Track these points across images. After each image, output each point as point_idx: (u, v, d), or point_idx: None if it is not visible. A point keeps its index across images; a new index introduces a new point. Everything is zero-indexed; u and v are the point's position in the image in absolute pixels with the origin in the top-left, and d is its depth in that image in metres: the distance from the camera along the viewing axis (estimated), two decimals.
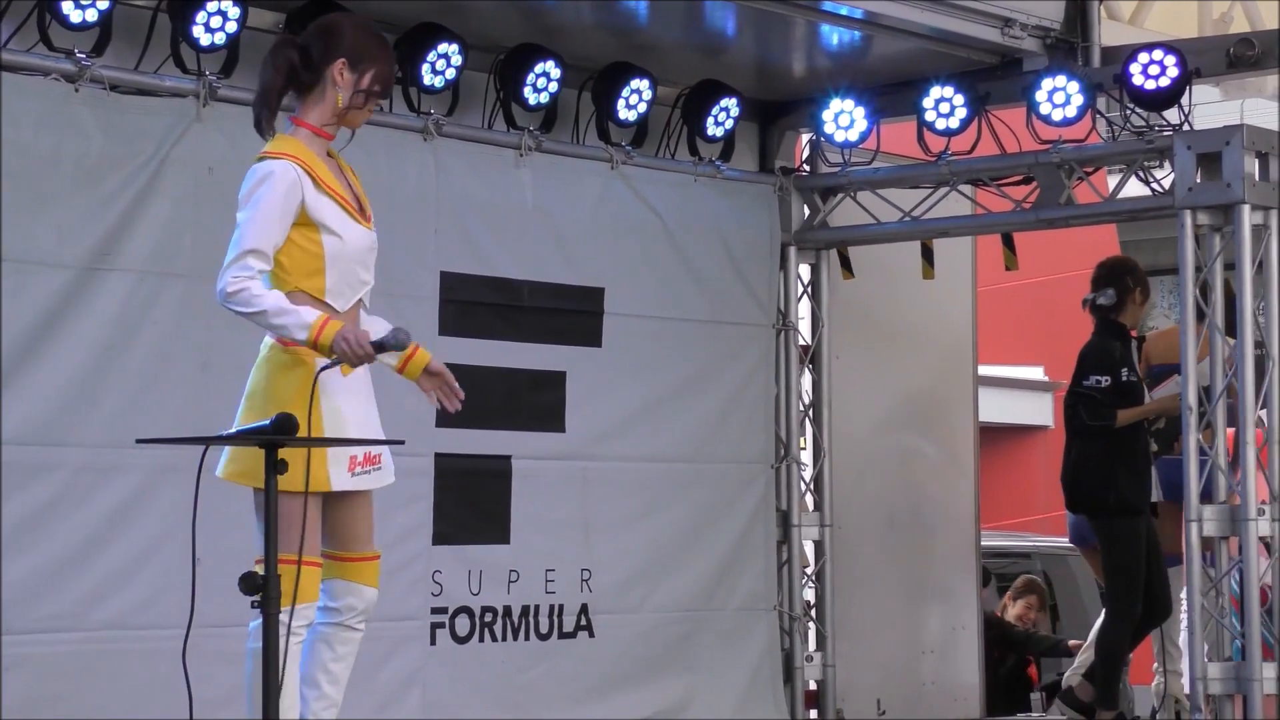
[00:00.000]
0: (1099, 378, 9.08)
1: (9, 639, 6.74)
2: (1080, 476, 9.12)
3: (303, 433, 5.33)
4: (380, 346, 5.44)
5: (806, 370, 9.67)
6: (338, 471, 5.54)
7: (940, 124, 9.10)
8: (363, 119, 5.64)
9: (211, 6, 7.24)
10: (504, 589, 8.15)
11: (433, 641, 8.02)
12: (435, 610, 8.05)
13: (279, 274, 5.53)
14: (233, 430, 5.55)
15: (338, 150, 5.69)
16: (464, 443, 8.00)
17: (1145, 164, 8.91)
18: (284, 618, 5.29)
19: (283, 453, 5.37)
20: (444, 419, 8.05)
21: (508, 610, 8.06)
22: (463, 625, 8.16)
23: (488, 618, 8.19)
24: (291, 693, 5.45)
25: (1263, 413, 8.45)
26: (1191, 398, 8.45)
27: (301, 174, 5.45)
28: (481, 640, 8.16)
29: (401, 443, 7.19)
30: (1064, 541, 15.85)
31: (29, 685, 6.79)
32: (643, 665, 8.67)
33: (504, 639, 7.82)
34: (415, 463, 7.95)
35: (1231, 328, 8.44)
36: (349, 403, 5.55)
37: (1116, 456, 8.98)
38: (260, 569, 5.37)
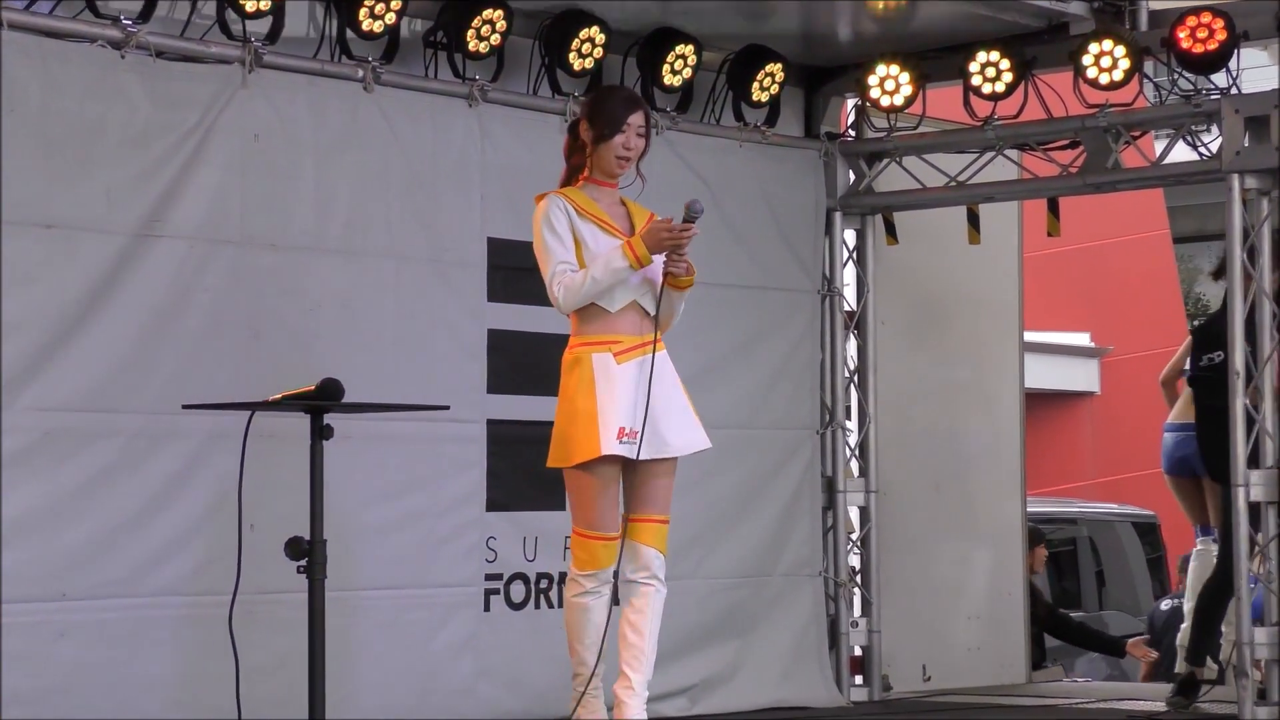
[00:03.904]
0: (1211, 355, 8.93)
1: (64, 605, 6.79)
2: None
3: (577, 414, 6.38)
4: (688, 219, 6.49)
5: (852, 336, 9.66)
6: (608, 438, 6.41)
7: (986, 88, 9.06)
8: (621, 163, 6.63)
9: None
10: (559, 555, 8.16)
11: (487, 608, 8.04)
12: (490, 577, 8.06)
13: None
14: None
15: (630, 180, 6.75)
16: (516, 409, 8.02)
17: (1193, 128, 8.87)
18: (587, 582, 6.54)
19: (572, 431, 6.44)
20: (495, 385, 8.11)
21: (564, 577, 8.09)
22: (518, 592, 8.19)
23: (543, 584, 8.21)
24: (591, 644, 6.56)
25: None
26: (1238, 363, 8.42)
27: (564, 203, 6.56)
28: (538, 607, 8.18)
29: (446, 408, 7.27)
30: (1111, 507, 15.90)
31: (84, 650, 6.83)
32: (696, 631, 8.68)
33: (560, 605, 7.83)
34: (467, 429, 7.98)
35: None
36: (613, 392, 6.44)
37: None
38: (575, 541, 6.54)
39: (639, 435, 6.45)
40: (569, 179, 6.72)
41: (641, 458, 6.49)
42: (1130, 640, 11.93)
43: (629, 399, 6.46)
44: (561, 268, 6.49)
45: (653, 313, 6.60)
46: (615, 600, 6.66)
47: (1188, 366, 9.73)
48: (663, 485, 6.58)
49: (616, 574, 6.58)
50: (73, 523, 6.83)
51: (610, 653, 6.63)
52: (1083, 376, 20.75)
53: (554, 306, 6.57)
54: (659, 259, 6.55)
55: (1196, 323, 9.22)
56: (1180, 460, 10.00)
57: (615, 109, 6.63)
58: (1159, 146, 9.19)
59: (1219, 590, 8.68)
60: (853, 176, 9.66)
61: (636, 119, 6.64)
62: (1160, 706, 8.91)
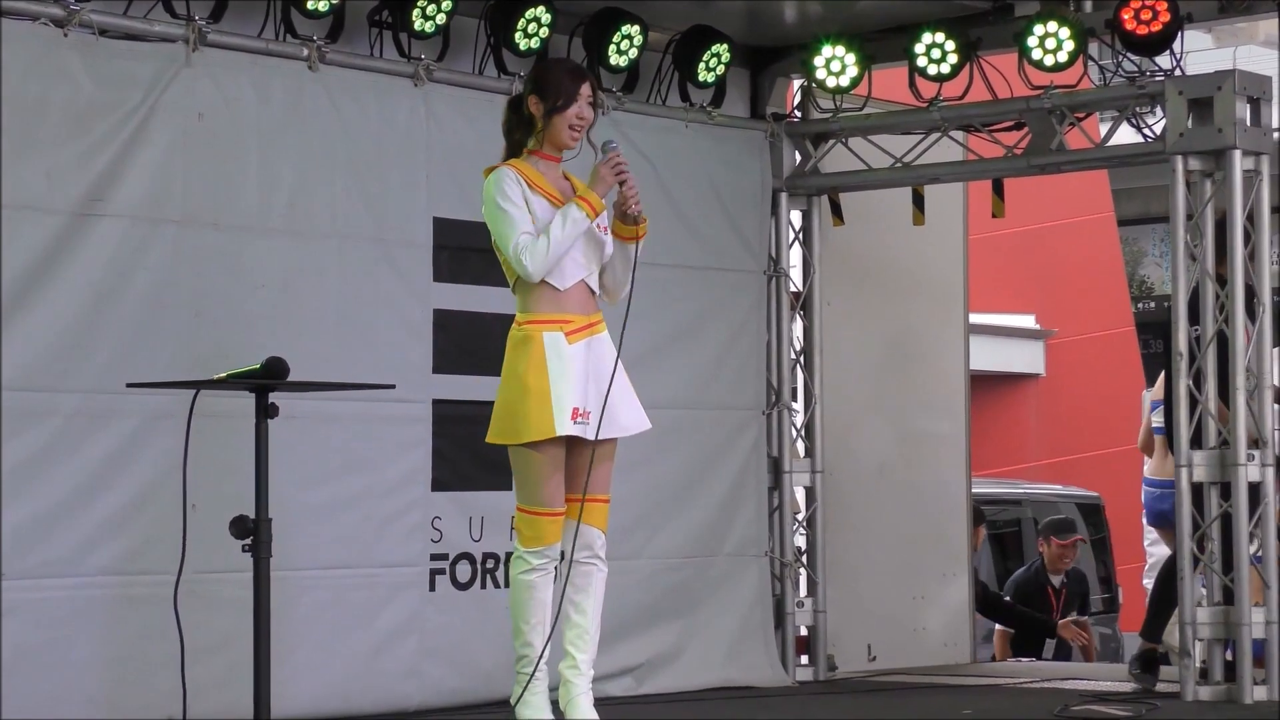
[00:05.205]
0: None
1: (5, 585, 6.74)
2: None
3: (529, 392, 6.36)
4: (605, 151, 6.56)
5: (798, 317, 9.67)
6: (562, 419, 6.39)
7: (932, 70, 9.08)
8: (571, 136, 6.58)
9: None
10: (505, 535, 8.15)
11: (432, 588, 8.04)
12: (435, 557, 8.06)
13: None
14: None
15: (575, 153, 6.69)
16: (462, 389, 8.00)
17: (1137, 110, 8.89)
18: (534, 559, 6.51)
19: (523, 409, 6.40)
20: (441, 365, 8.10)
21: (510, 557, 8.09)
22: (464, 572, 8.18)
23: (489, 564, 8.20)
24: (537, 624, 6.54)
25: None
26: (1182, 344, 8.46)
27: (516, 175, 6.51)
28: (484, 587, 8.17)
29: (391, 386, 7.26)
30: (1056, 489, 15.97)
31: (23, 631, 6.80)
32: (641, 612, 8.70)
33: (506, 585, 7.83)
34: (412, 409, 7.97)
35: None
36: (566, 372, 6.42)
37: None
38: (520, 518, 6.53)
39: (591, 415, 6.46)
40: (511, 155, 6.67)
41: (593, 437, 6.49)
42: (1061, 621, 12.02)
43: (581, 379, 6.46)
44: (525, 238, 6.43)
45: (598, 291, 6.60)
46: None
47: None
48: (606, 465, 6.60)
49: (562, 553, 6.59)
50: (12, 502, 6.79)
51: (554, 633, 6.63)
52: (1028, 358, 20.84)
53: (522, 274, 6.45)
54: (606, 225, 6.59)
55: None
56: (1160, 514, 10.11)
57: (565, 81, 6.59)
58: (1103, 128, 9.22)
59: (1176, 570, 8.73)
60: (798, 157, 9.66)
61: (586, 89, 6.62)
62: (1106, 686, 8.96)
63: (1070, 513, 15.02)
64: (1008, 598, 12.47)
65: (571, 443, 6.50)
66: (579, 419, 6.44)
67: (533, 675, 6.52)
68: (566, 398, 6.42)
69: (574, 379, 6.45)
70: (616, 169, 6.50)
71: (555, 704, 6.65)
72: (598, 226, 6.59)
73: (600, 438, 6.50)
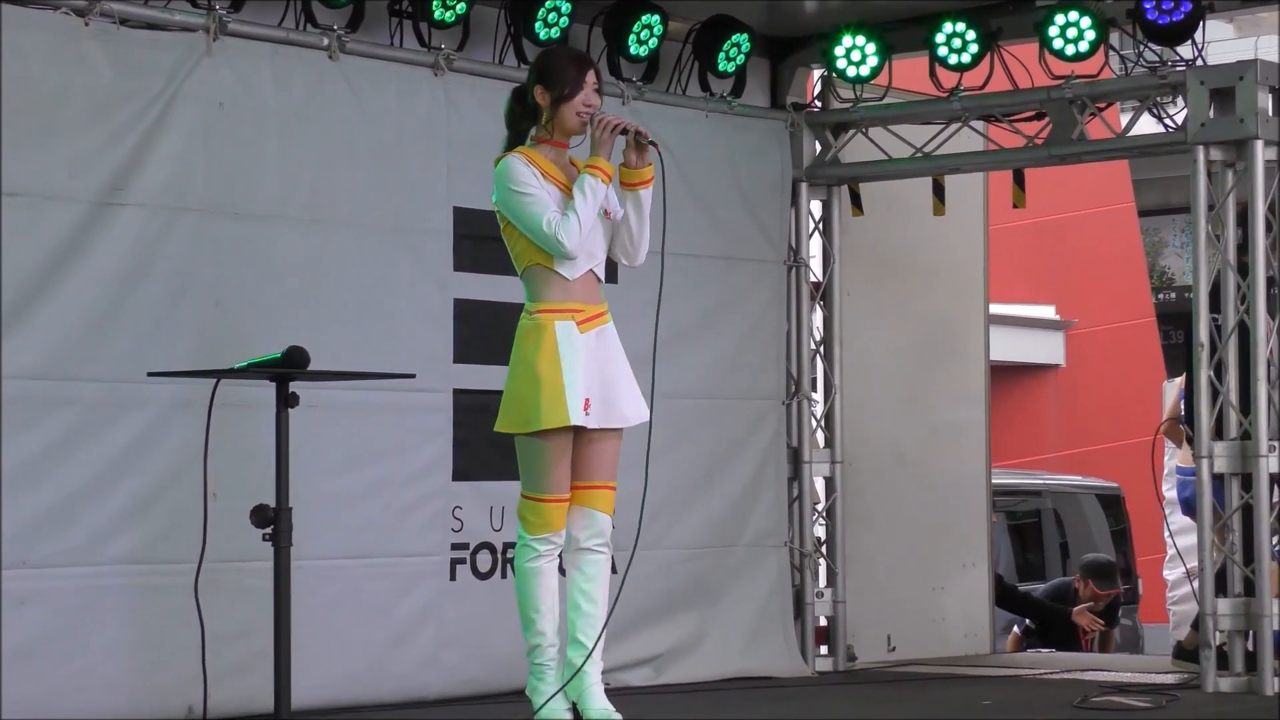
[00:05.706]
0: None
1: (25, 573, 6.76)
2: None
3: (541, 382, 6.42)
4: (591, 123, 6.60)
5: (818, 307, 9.67)
6: (575, 409, 6.43)
7: (952, 59, 9.07)
8: (579, 121, 6.58)
9: None
10: None
11: (452, 577, 8.04)
12: (456, 546, 8.07)
13: (522, 249, 6.59)
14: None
15: (579, 141, 6.70)
16: (482, 379, 7.99)
17: (1158, 100, 8.88)
18: (541, 546, 6.56)
19: (536, 398, 6.43)
20: (462, 355, 8.10)
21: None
22: (484, 561, 8.18)
23: (510, 554, 8.19)
24: (546, 611, 6.61)
25: None
26: (1203, 335, 8.44)
27: (528, 163, 6.54)
28: (504, 576, 8.17)
29: (412, 376, 7.26)
30: (1075, 479, 15.96)
31: (43, 619, 6.81)
32: (660, 601, 8.70)
33: None
34: (433, 398, 7.97)
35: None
36: (578, 362, 6.48)
37: None
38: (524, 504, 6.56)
39: (598, 405, 6.50)
40: (516, 144, 6.68)
41: (600, 426, 6.54)
42: (1076, 609, 12.00)
43: (590, 369, 6.49)
44: (555, 215, 6.48)
45: (604, 279, 6.65)
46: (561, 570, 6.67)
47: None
48: (612, 451, 6.65)
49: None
50: (33, 490, 6.80)
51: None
52: (1047, 349, 20.83)
53: (557, 252, 6.49)
54: (610, 209, 6.61)
55: None
56: (1188, 501, 10.07)
57: (569, 69, 6.61)
58: (1124, 118, 9.20)
59: None
60: (819, 147, 9.65)
61: (591, 76, 6.65)
62: (1126, 676, 8.95)
63: (1089, 503, 15.01)
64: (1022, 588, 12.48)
65: (577, 431, 6.54)
66: (589, 409, 6.48)
67: (544, 665, 6.52)
68: (580, 387, 6.45)
69: (586, 369, 6.48)
70: (608, 125, 6.55)
71: (564, 692, 6.65)
72: (603, 212, 6.61)
73: (604, 426, 6.55)
